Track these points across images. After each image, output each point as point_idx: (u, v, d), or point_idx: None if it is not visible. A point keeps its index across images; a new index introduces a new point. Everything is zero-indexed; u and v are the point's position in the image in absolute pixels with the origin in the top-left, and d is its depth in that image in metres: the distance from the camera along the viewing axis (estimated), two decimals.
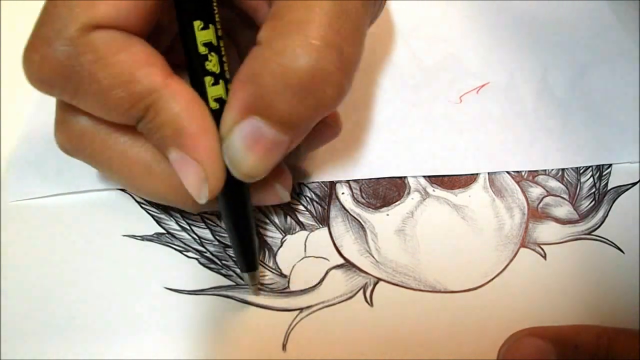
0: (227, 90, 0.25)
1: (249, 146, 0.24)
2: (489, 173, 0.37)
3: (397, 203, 0.35)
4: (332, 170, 0.36)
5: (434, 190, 0.36)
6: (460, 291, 0.32)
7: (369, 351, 0.30)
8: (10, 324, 0.31)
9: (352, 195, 0.35)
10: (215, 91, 0.25)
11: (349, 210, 0.35)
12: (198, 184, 0.25)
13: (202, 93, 0.25)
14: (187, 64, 0.25)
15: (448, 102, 0.40)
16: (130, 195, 0.35)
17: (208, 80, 0.24)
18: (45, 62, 0.23)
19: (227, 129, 0.24)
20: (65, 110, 0.27)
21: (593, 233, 0.35)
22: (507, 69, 0.41)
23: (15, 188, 0.35)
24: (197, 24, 0.23)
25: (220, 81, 0.25)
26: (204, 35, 0.24)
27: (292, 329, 0.31)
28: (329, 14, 0.23)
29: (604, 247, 0.34)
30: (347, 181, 0.36)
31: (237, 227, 0.29)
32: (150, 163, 0.27)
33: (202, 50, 0.24)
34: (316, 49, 0.22)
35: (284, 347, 0.30)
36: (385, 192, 0.36)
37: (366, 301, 0.32)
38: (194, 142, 0.24)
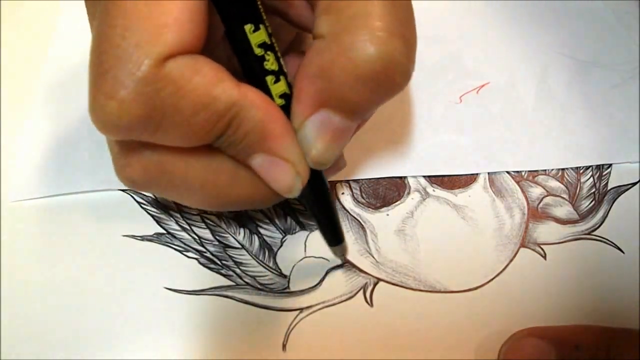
0: (288, 84, 0.25)
1: (322, 136, 0.25)
2: (489, 173, 0.37)
3: (397, 203, 0.35)
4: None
5: (434, 190, 0.36)
6: (460, 291, 0.32)
7: (369, 351, 0.30)
8: (10, 324, 0.31)
9: (352, 196, 0.35)
10: (278, 88, 0.25)
11: (349, 211, 0.35)
12: (291, 180, 0.26)
13: (266, 92, 0.25)
14: (243, 68, 0.25)
15: (448, 102, 0.40)
16: (131, 195, 0.35)
17: (270, 79, 0.25)
18: (125, 108, 0.22)
19: (300, 122, 0.25)
20: (132, 147, 0.26)
21: (593, 233, 0.35)
22: (507, 69, 0.41)
23: (15, 188, 0.35)
24: (248, 27, 0.23)
25: (281, 77, 0.25)
26: (256, 37, 0.23)
27: (292, 329, 0.31)
28: (385, 3, 0.23)
29: (604, 247, 0.34)
30: (347, 181, 0.36)
31: (323, 209, 0.29)
32: (234, 170, 0.26)
33: (259, 51, 0.24)
34: (384, 41, 0.23)
35: (284, 347, 0.30)
36: (385, 192, 0.36)
37: (366, 301, 0.32)
38: (280, 143, 0.25)
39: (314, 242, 0.34)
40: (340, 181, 0.36)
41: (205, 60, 0.23)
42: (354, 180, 0.36)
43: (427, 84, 0.40)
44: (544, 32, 0.44)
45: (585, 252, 0.34)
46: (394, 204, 0.35)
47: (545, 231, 0.35)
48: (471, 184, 0.36)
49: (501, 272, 0.33)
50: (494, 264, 0.33)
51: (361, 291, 0.32)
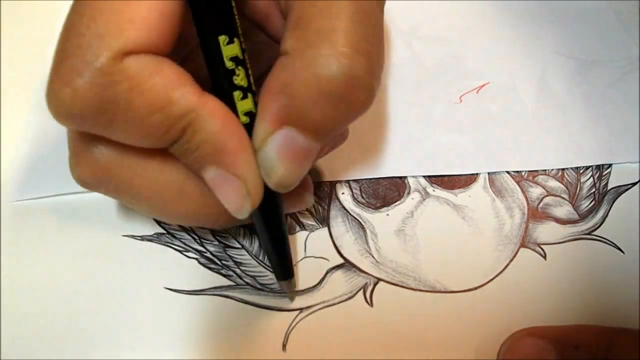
0: (255, 103, 0.25)
1: (283, 156, 0.24)
2: (489, 173, 0.37)
3: (397, 203, 0.35)
4: (332, 171, 0.36)
5: (434, 190, 0.36)
6: (460, 291, 0.32)
7: (369, 351, 0.30)
8: (10, 324, 0.31)
9: (352, 195, 0.35)
10: (244, 105, 0.24)
11: (349, 211, 0.35)
12: (240, 200, 0.25)
13: (232, 107, 0.24)
14: (212, 80, 0.25)
15: (448, 102, 0.40)
16: None
17: (237, 94, 0.24)
18: (78, 96, 0.22)
19: (261, 140, 0.24)
20: (85, 142, 0.26)
21: (593, 233, 0.35)
22: (507, 69, 0.41)
23: (15, 188, 0.35)
24: (223, 38, 0.23)
25: (249, 94, 0.24)
26: (230, 49, 0.23)
27: (292, 329, 0.31)
28: (352, 19, 0.23)
29: (603, 247, 0.34)
30: (347, 181, 0.36)
31: (273, 237, 0.29)
32: (182, 184, 0.26)
33: (229, 65, 0.23)
34: (347, 57, 0.22)
35: (284, 347, 0.30)
36: (385, 192, 0.36)
37: (366, 301, 0.32)
38: (234, 159, 0.24)
39: (314, 242, 0.34)
40: (340, 181, 0.36)
41: (169, 63, 0.23)
42: (354, 180, 0.36)
43: (427, 84, 0.40)
44: (544, 31, 0.44)
45: (585, 252, 0.34)
46: (394, 204, 0.35)
47: (545, 231, 0.35)
48: (471, 184, 0.36)
49: (501, 272, 0.33)
50: (494, 263, 0.33)
51: (361, 291, 0.32)
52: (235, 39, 0.23)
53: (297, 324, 0.31)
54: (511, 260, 0.34)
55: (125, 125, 0.23)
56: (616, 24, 0.44)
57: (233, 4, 0.23)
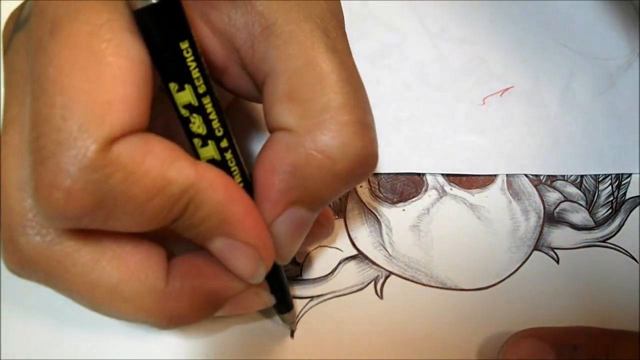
0: (219, 149, 0.23)
1: (291, 234, 0.24)
2: (507, 175, 0.37)
3: (414, 199, 0.36)
4: None
5: (451, 189, 0.36)
6: (471, 289, 0.33)
7: (376, 342, 0.31)
8: (10, 324, 0.31)
9: (370, 189, 0.36)
10: (206, 152, 0.23)
11: (366, 204, 0.35)
12: (254, 266, 0.24)
13: (195, 155, 0.23)
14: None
15: (471, 103, 0.40)
16: None
17: (196, 142, 0.23)
18: (71, 199, 0.19)
19: (268, 221, 0.24)
20: (11, 230, 0.23)
21: (608, 241, 0.35)
22: (532, 73, 0.41)
23: None
24: (172, 86, 0.21)
25: (209, 142, 0.23)
26: (181, 97, 0.21)
27: (302, 316, 0.31)
28: (347, 89, 0.22)
29: (617, 255, 0.34)
30: None
31: (275, 282, 0.28)
32: (116, 285, 0.23)
33: (184, 112, 0.22)
34: (360, 137, 0.22)
35: (292, 334, 0.31)
36: (403, 187, 0.36)
37: (376, 293, 0.32)
38: (243, 226, 0.23)
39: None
40: None
41: (156, 139, 0.21)
42: (373, 174, 0.36)
43: (451, 85, 0.40)
44: (571, 37, 0.44)
45: (598, 259, 0.34)
46: (410, 200, 0.36)
47: (560, 236, 0.35)
48: (489, 184, 0.36)
49: (513, 273, 0.33)
50: (506, 265, 0.34)
51: (372, 283, 0.32)
52: (186, 86, 0.21)
53: (306, 312, 0.31)
54: (524, 263, 0.34)
55: (125, 216, 0.21)
56: None
57: (184, 48, 0.21)
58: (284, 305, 0.29)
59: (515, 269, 0.33)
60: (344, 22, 0.25)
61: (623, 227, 0.35)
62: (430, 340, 0.31)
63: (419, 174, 0.37)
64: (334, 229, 0.31)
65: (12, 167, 0.23)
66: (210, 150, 0.23)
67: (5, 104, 0.24)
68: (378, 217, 0.35)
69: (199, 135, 0.22)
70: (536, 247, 0.34)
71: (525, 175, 0.37)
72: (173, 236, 0.24)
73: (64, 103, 0.19)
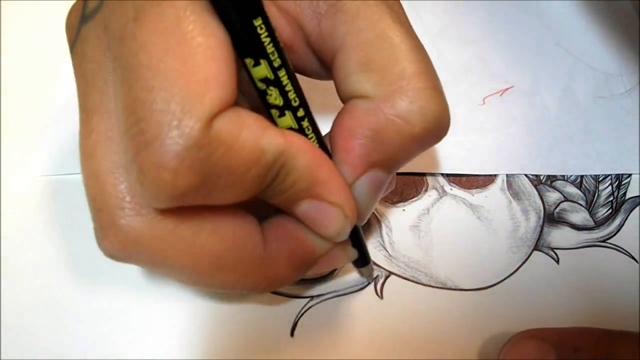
0: (296, 118, 0.24)
1: (371, 195, 0.25)
2: (507, 175, 0.37)
3: (414, 199, 0.36)
4: None
5: (451, 189, 0.36)
6: (471, 290, 0.33)
7: (376, 342, 0.31)
8: (10, 324, 0.30)
9: None
10: (283, 122, 0.24)
11: None
12: (340, 224, 0.25)
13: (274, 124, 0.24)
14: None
15: (471, 103, 0.40)
16: None
17: (274, 112, 0.24)
18: (179, 178, 0.20)
19: (349, 183, 0.25)
20: (110, 214, 0.24)
21: (608, 241, 0.35)
22: (532, 73, 0.41)
23: (48, 163, 0.35)
24: (248, 61, 0.22)
25: (287, 112, 0.24)
26: (257, 71, 0.22)
27: (302, 315, 0.31)
28: (418, 57, 0.23)
29: (617, 255, 0.34)
30: None
31: (355, 238, 0.29)
32: (218, 255, 0.24)
33: (260, 85, 0.23)
34: (435, 102, 0.23)
35: (292, 333, 0.31)
36: (403, 187, 0.36)
37: (376, 293, 0.32)
38: (329, 188, 0.24)
39: None
40: None
41: (246, 112, 0.22)
42: None
43: (451, 85, 0.40)
44: (571, 38, 0.44)
45: (598, 259, 0.34)
46: (410, 200, 0.36)
47: (560, 236, 0.35)
48: (489, 184, 0.36)
49: (513, 273, 0.33)
50: (506, 265, 0.34)
51: (372, 283, 0.32)
52: (261, 61, 0.22)
53: (306, 311, 0.31)
54: (524, 263, 0.34)
55: (225, 189, 0.22)
56: None
57: (257, 25, 0.21)
58: (363, 259, 0.31)
59: (515, 269, 0.33)
60: None
61: (623, 227, 0.35)
62: (431, 340, 0.31)
63: (419, 174, 0.37)
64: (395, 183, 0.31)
65: (100, 153, 0.23)
66: (287, 120, 0.24)
67: (83, 94, 0.24)
68: (378, 217, 0.35)
69: (276, 106, 0.23)
70: (536, 247, 0.34)
71: (525, 175, 0.37)
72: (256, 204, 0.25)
73: (162, 86, 0.20)
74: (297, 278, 0.27)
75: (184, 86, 0.20)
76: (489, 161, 0.37)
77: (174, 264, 0.24)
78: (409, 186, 0.36)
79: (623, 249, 0.34)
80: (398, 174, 0.36)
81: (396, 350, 0.31)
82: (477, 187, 0.36)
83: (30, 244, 0.33)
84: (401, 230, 0.34)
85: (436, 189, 0.36)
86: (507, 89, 0.40)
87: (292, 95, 0.23)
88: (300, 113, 0.24)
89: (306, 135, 0.24)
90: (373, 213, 0.35)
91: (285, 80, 0.23)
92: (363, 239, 0.30)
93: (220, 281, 0.25)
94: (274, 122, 0.24)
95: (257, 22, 0.21)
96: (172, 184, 0.20)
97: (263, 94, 0.23)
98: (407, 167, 0.36)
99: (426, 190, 0.36)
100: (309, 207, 0.24)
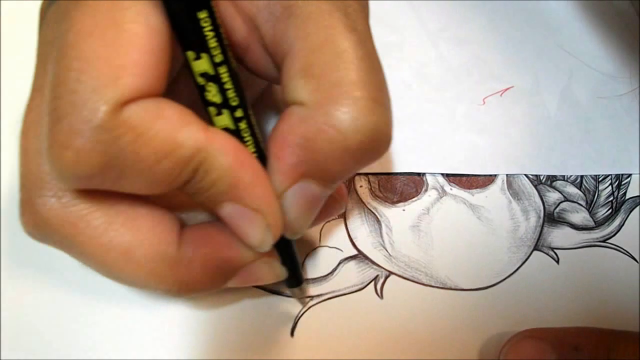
0: (233, 118, 0.23)
1: (300, 208, 0.24)
2: (507, 175, 0.37)
3: (414, 199, 0.36)
4: None
5: (451, 189, 0.36)
6: (471, 289, 0.33)
7: (375, 342, 0.31)
8: (10, 324, 0.30)
9: (370, 189, 0.36)
10: (220, 121, 0.23)
11: (366, 204, 0.35)
12: (261, 233, 0.24)
13: (211, 124, 0.23)
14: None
15: (471, 103, 0.40)
16: None
17: (212, 110, 0.23)
18: (82, 158, 0.20)
19: (279, 192, 0.24)
20: (30, 191, 0.24)
21: (608, 241, 0.35)
22: (532, 73, 0.41)
23: None
24: (190, 54, 0.22)
25: (224, 111, 0.23)
26: (198, 65, 0.22)
27: (302, 315, 0.31)
28: (363, 67, 0.22)
29: (617, 255, 0.34)
30: (366, 174, 0.36)
31: (286, 256, 0.28)
32: (128, 248, 0.24)
33: (200, 80, 0.22)
34: (371, 112, 0.22)
35: (292, 332, 0.31)
36: (402, 187, 0.36)
37: (376, 293, 0.32)
38: (252, 192, 0.23)
39: (329, 233, 0.34)
40: (359, 174, 0.36)
41: (169, 103, 0.21)
42: (373, 174, 0.36)
43: (451, 84, 0.40)
44: (571, 38, 0.44)
45: (598, 258, 0.34)
46: (410, 200, 0.36)
47: (560, 236, 0.35)
48: (489, 184, 0.36)
49: (513, 273, 0.33)
50: (506, 264, 0.34)
51: (372, 283, 0.33)
52: (202, 55, 0.22)
53: (306, 311, 0.31)
54: (524, 263, 0.34)
55: (135, 177, 0.21)
56: None
57: (202, 18, 0.21)
58: (294, 279, 0.29)
59: (515, 269, 0.33)
60: (367, 7, 0.26)
61: (623, 227, 0.35)
62: (430, 340, 0.31)
63: (419, 174, 0.37)
64: (346, 204, 0.31)
65: (33, 132, 0.24)
66: (224, 119, 0.23)
67: (35, 74, 0.25)
68: (378, 217, 0.35)
69: (213, 104, 0.23)
70: (536, 247, 0.34)
71: (525, 175, 0.37)
72: (187, 206, 0.25)
73: (80, 66, 0.20)
74: (215, 286, 0.26)
75: (99, 69, 0.20)
76: (489, 161, 0.37)
77: (83, 251, 0.24)
78: (408, 186, 0.36)
79: (623, 249, 0.34)
80: (398, 174, 0.36)
81: (396, 350, 0.31)
82: (477, 187, 0.36)
83: (30, 244, 0.33)
84: (401, 230, 0.34)
85: (436, 188, 0.36)
86: (507, 89, 0.40)
87: (231, 93, 0.23)
88: (239, 113, 0.23)
89: (242, 138, 0.24)
90: (373, 213, 0.35)
91: (225, 77, 0.23)
92: (296, 256, 0.29)
93: (128, 276, 0.25)
94: (211, 121, 0.23)
95: (202, 14, 0.21)
96: (74, 163, 0.20)
97: (202, 89, 0.22)
98: (407, 167, 0.36)
99: (426, 190, 0.36)
100: (232, 210, 0.24)
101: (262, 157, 0.24)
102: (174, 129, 0.21)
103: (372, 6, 0.42)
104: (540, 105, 0.40)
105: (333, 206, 0.29)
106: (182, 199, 0.23)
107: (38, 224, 0.24)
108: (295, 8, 0.23)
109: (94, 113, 0.19)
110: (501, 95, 0.40)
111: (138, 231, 0.24)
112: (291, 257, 0.28)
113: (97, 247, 0.24)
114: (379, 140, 0.23)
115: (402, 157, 0.37)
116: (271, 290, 0.32)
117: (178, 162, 0.21)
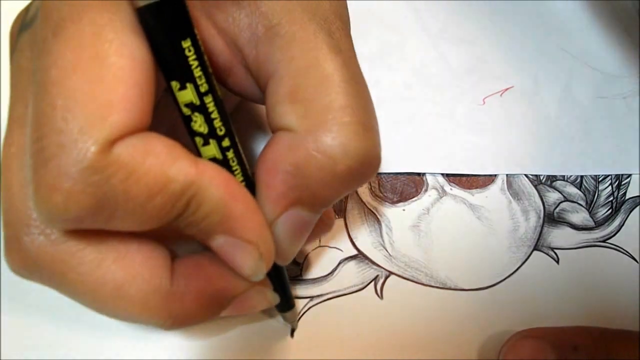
0: (220, 148, 0.23)
1: (291, 235, 0.24)
2: (507, 175, 0.37)
3: (414, 199, 0.36)
4: None
5: (451, 189, 0.36)
6: (471, 289, 0.33)
7: (376, 342, 0.31)
8: (10, 324, 0.30)
9: (370, 189, 0.36)
10: (207, 151, 0.23)
11: (366, 203, 0.35)
12: (254, 264, 0.24)
13: (198, 154, 0.23)
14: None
15: (471, 103, 0.40)
16: None
17: (198, 140, 0.23)
18: (71, 200, 0.19)
19: (270, 221, 0.24)
20: (15, 229, 0.23)
21: (608, 241, 0.35)
22: (532, 73, 0.41)
23: None
24: (174, 84, 0.21)
25: (211, 141, 0.23)
26: (182, 95, 0.21)
27: (302, 316, 0.31)
28: (349, 90, 0.22)
29: (618, 255, 0.34)
30: None
31: (276, 279, 0.28)
32: (121, 284, 0.23)
33: (185, 111, 0.22)
34: (361, 138, 0.22)
35: (292, 333, 0.31)
36: (403, 187, 0.36)
37: (376, 293, 0.32)
38: (244, 224, 0.23)
39: (329, 232, 0.34)
40: None
41: (157, 138, 0.21)
42: None
43: (451, 84, 0.40)
44: (571, 38, 0.44)
45: (598, 259, 0.34)
46: (410, 200, 0.36)
47: (560, 236, 0.35)
48: (489, 184, 0.36)
49: (513, 273, 0.33)
50: (506, 265, 0.34)
51: (372, 283, 0.33)
52: (188, 85, 0.21)
53: (306, 311, 0.31)
54: (523, 263, 0.34)
55: (126, 216, 0.21)
56: None
57: (186, 47, 0.21)
58: (285, 304, 0.29)
59: (515, 269, 0.33)
60: (349, 23, 0.25)
61: (623, 227, 0.35)
62: (430, 340, 0.31)
63: (419, 174, 0.37)
64: (333, 225, 0.30)
65: (16, 166, 0.23)
66: (211, 149, 0.23)
67: (11, 104, 0.24)
68: (378, 217, 0.35)
69: (200, 134, 0.22)
70: (536, 247, 0.34)
71: (525, 175, 0.37)
72: (178, 238, 0.24)
73: (65, 104, 0.19)
74: (208, 317, 0.26)
75: (86, 107, 0.19)
76: (489, 161, 0.37)
77: (74, 289, 0.23)
78: (408, 186, 0.36)
79: (623, 249, 0.34)
80: (398, 174, 0.36)
81: (396, 350, 0.31)
82: (477, 187, 0.36)
83: None
84: (401, 230, 0.34)
85: (436, 188, 0.36)
86: (507, 89, 0.40)
87: (217, 123, 0.23)
88: (226, 143, 0.23)
89: (230, 167, 0.23)
90: (373, 213, 0.35)
91: (211, 107, 0.22)
92: (287, 281, 0.29)
93: (121, 311, 0.24)
94: (198, 152, 0.23)
95: (186, 43, 0.21)
96: (63, 206, 0.19)
97: (187, 120, 0.22)
98: (407, 167, 0.36)
99: (426, 190, 0.36)
100: (224, 242, 0.23)
101: (250, 185, 0.24)
102: (164, 165, 0.20)
103: (372, 6, 0.42)
104: (540, 105, 0.40)
105: (321, 227, 0.29)
106: (173, 230, 0.23)
107: (26, 262, 0.23)
108: (279, 28, 0.23)
109: (83, 154, 0.19)
110: (501, 95, 0.40)
111: (130, 267, 0.23)
112: (282, 282, 0.28)
113: (88, 285, 0.23)
114: (369, 164, 0.23)
115: (402, 157, 0.37)
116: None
117: (170, 198, 0.21)
